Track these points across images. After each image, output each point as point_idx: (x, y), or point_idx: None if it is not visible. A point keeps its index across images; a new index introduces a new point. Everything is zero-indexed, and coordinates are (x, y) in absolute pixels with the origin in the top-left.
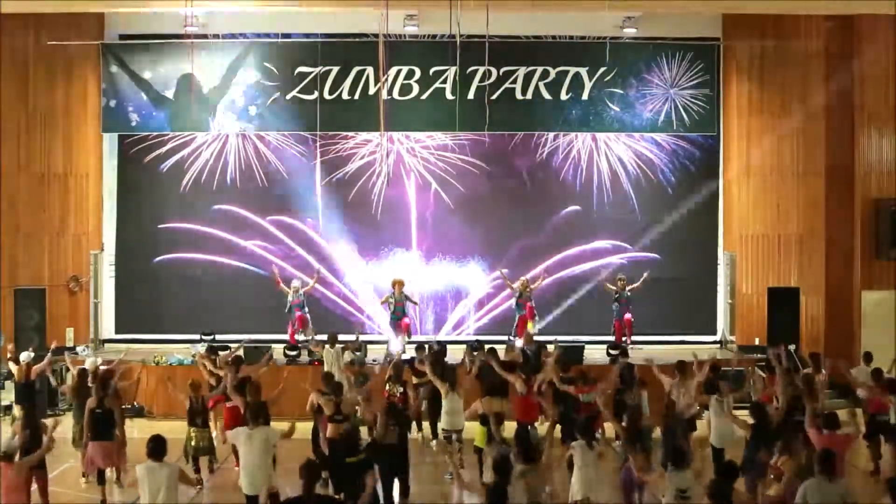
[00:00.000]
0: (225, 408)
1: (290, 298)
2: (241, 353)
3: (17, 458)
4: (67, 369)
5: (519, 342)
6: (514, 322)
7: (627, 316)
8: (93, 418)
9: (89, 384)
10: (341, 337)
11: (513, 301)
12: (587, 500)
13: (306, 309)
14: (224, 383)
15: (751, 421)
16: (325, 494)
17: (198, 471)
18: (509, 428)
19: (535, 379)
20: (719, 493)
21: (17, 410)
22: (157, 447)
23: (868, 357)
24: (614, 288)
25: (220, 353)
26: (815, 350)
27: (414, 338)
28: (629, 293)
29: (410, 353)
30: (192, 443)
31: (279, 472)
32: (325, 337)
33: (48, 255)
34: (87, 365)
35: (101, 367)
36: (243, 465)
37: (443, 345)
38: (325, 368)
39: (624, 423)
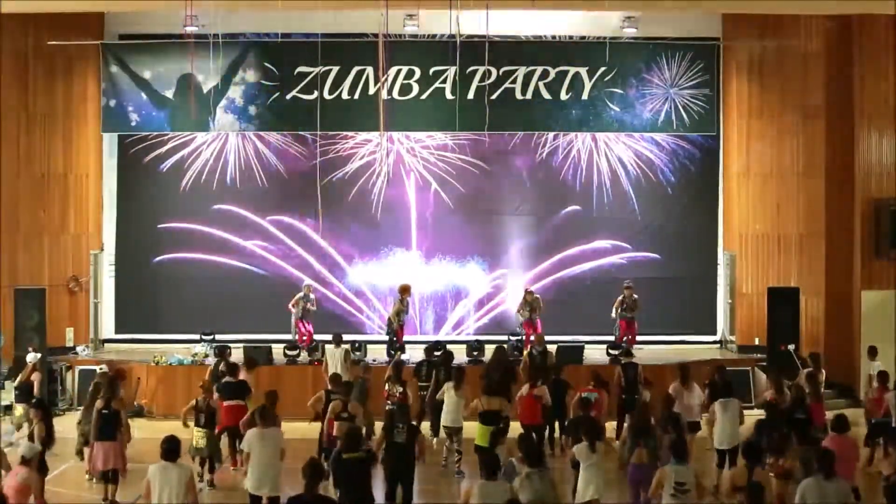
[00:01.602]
0: (223, 406)
1: (301, 302)
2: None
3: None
4: (68, 368)
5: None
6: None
7: (634, 326)
8: (100, 419)
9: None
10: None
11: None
12: (594, 501)
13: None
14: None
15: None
16: (325, 496)
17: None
18: (514, 429)
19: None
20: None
21: (18, 409)
22: (171, 448)
23: (873, 351)
24: (622, 299)
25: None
26: (815, 350)
27: (414, 337)
28: (636, 297)
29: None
30: (196, 443)
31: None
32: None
33: (48, 255)
34: (98, 370)
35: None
36: (253, 464)
37: (446, 350)
38: (331, 369)
39: (630, 420)
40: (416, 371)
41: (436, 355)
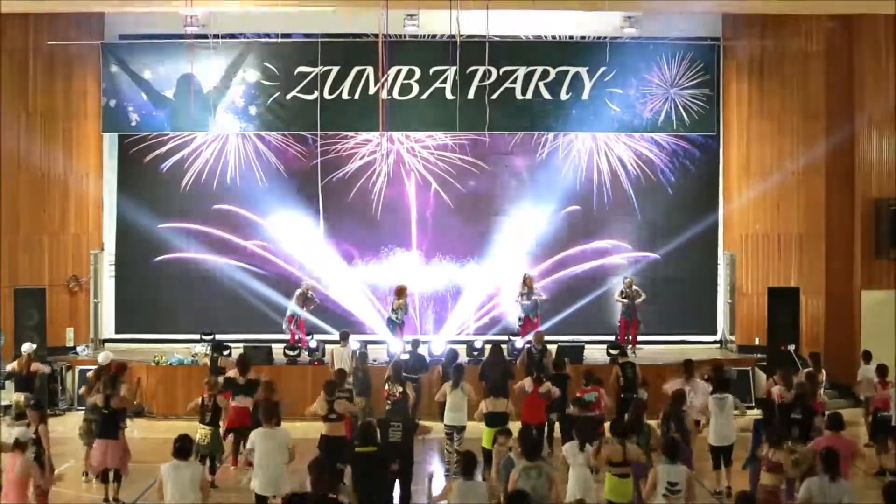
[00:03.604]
0: (231, 406)
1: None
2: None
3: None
4: (69, 368)
5: (520, 341)
6: (520, 321)
7: (635, 325)
8: (98, 416)
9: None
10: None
11: (519, 304)
12: (581, 501)
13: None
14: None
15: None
16: (331, 496)
17: None
18: (514, 428)
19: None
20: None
21: (17, 397)
22: (183, 447)
23: (867, 356)
24: (623, 291)
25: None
26: (815, 350)
27: (414, 337)
28: (636, 289)
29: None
30: (202, 441)
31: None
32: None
33: (48, 255)
34: (101, 360)
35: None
36: (258, 464)
37: (451, 349)
38: (336, 367)
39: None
40: (405, 364)
41: (419, 351)
